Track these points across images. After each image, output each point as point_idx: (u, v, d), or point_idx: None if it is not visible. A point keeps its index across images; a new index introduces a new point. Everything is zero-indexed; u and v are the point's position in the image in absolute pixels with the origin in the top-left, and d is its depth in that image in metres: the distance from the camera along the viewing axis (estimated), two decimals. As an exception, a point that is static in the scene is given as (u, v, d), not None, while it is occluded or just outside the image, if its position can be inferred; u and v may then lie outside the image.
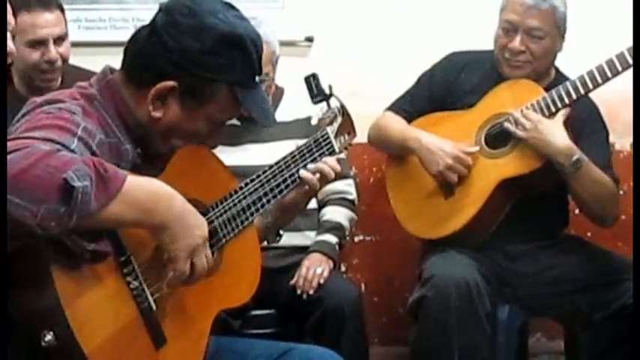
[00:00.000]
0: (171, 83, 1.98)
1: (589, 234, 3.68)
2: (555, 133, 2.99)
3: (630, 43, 2.96)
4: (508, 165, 3.10)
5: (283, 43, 3.44)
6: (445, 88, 3.29)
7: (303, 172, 2.28)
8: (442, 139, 3.15)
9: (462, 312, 2.92)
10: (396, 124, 3.28)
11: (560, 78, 3.18)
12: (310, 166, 2.30)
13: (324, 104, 2.47)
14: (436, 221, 3.18)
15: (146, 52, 2.00)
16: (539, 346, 3.77)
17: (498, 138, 3.14)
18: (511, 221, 3.14)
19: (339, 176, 3.18)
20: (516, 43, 3.10)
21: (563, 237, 3.32)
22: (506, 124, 3.09)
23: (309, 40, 3.79)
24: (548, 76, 3.21)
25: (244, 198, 2.20)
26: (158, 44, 1.98)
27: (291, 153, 2.31)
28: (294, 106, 3.37)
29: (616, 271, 3.05)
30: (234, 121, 3.36)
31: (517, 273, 3.17)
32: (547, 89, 3.10)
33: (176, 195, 1.88)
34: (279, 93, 3.42)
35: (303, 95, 2.74)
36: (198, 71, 1.99)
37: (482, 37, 3.30)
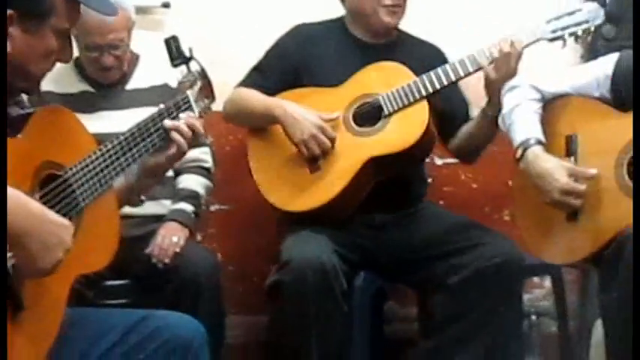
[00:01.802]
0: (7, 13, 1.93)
1: (442, 202, 3.78)
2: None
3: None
4: (377, 143, 3.14)
5: (139, 10, 3.39)
6: (298, 59, 3.30)
7: (174, 135, 2.29)
8: (307, 110, 3.16)
9: (319, 295, 2.95)
10: (257, 96, 3.26)
11: (405, 36, 3.37)
12: (181, 125, 2.30)
13: (184, 67, 2.46)
14: (300, 194, 3.18)
15: None
16: (392, 313, 3.83)
17: (367, 116, 3.18)
18: (377, 192, 3.18)
19: (196, 144, 3.20)
20: None
21: (424, 205, 3.38)
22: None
23: (166, 6, 3.73)
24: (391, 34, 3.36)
25: (104, 160, 2.16)
26: None
27: (152, 116, 2.30)
28: (150, 72, 3.34)
29: (472, 237, 3.12)
30: (88, 88, 3.31)
31: (379, 241, 3.21)
32: (388, 45, 3.28)
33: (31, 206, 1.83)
34: (134, 59, 3.38)
35: (159, 62, 2.71)
36: None
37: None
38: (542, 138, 2.95)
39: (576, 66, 3.15)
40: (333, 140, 3.14)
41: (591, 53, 3.65)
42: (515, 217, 3.11)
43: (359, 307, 3.21)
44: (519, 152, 2.95)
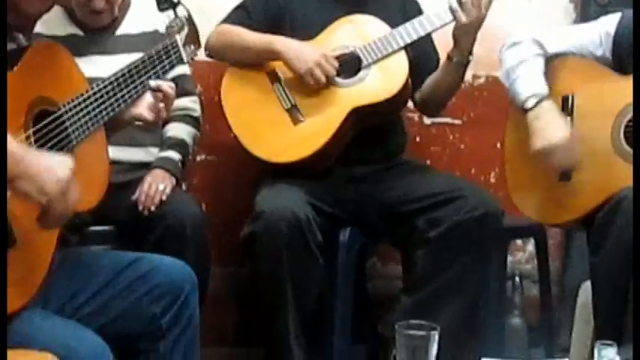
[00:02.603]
0: None
1: (428, 162, 3.77)
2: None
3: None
4: (360, 93, 3.14)
5: (130, -46, 3.33)
6: (281, 4, 3.28)
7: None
8: (304, 43, 3.16)
9: (293, 246, 2.94)
10: (250, 31, 3.22)
11: None
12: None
13: (170, 12, 2.44)
14: (286, 145, 3.15)
15: None
16: (375, 270, 3.84)
17: (345, 68, 3.16)
18: (356, 144, 3.18)
19: (184, 93, 3.17)
20: None
21: (404, 160, 3.38)
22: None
23: (155, -48, 3.67)
24: None
25: (96, 100, 2.15)
26: None
27: (142, 58, 2.31)
28: (142, 18, 3.29)
29: (452, 190, 3.10)
30: (78, 32, 3.26)
31: (361, 195, 3.20)
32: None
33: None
34: (125, 5, 3.33)
35: (150, 8, 2.66)
36: None
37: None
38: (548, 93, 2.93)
39: (578, 25, 3.12)
40: (336, 69, 3.13)
41: (584, 19, 3.64)
42: (506, 175, 3.09)
43: (343, 264, 3.20)
44: (532, 101, 2.91)
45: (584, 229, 2.93)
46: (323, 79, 3.10)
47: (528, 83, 2.94)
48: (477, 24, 3.09)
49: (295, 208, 2.96)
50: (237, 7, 3.32)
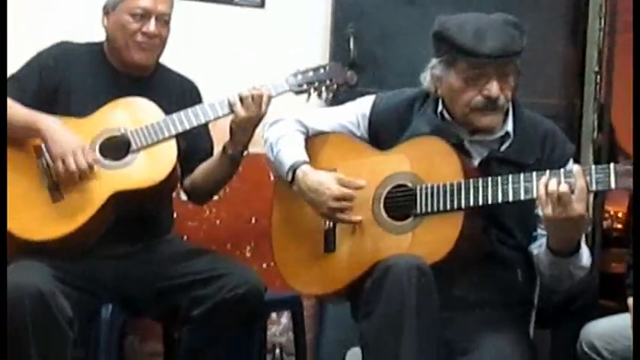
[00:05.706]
0: None
1: (186, 237, 3.79)
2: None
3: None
4: (123, 178, 3.11)
5: None
6: (57, 78, 3.23)
7: None
8: (70, 131, 3.09)
9: (38, 322, 2.88)
10: (17, 105, 3.11)
11: (163, 70, 3.38)
12: None
13: None
14: (41, 223, 3.07)
15: None
16: (133, 348, 3.79)
17: (114, 150, 3.14)
18: (121, 222, 3.15)
19: None
20: (151, 27, 3.20)
21: (168, 238, 3.37)
22: None
23: None
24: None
25: None
26: None
27: None
28: None
29: (215, 268, 3.15)
30: None
31: (123, 273, 3.18)
32: (144, 79, 3.30)
33: None
34: None
35: None
36: None
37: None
38: (308, 160, 3.04)
39: (338, 107, 3.29)
40: (91, 164, 3.07)
41: (334, 98, 3.79)
42: (273, 249, 3.15)
43: (105, 342, 3.15)
44: (290, 175, 3.01)
45: (341, 300, 3.05)
46: (73, 167, 3.04)
47: (290, 154, 3.04)
48: (255, 120, 3.17)
49: (39, 282, 2.89)
50: (9, 79, 3.23)
